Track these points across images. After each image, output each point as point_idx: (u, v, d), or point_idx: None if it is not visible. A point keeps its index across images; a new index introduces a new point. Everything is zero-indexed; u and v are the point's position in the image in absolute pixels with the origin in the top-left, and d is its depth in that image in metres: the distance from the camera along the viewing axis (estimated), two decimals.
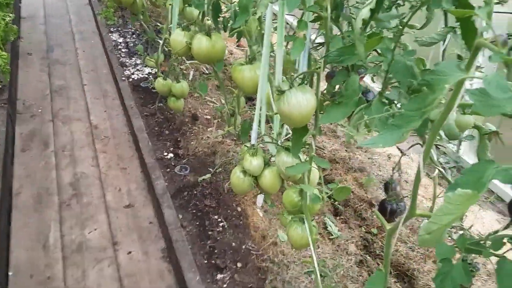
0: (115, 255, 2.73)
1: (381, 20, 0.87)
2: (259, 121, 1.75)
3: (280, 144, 1.69)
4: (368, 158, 3.20)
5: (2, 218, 2.81)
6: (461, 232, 1.60)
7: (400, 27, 1.03)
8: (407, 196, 2.63)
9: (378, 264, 2.34)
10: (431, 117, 0.83)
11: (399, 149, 3.42)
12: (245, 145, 1.82)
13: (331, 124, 3.56)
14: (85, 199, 3.15)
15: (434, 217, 0.64)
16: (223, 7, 2.04)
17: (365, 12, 0.82)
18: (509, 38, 1.65)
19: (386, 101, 0.94)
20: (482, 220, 2.80)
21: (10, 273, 2.56)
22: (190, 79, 3.63)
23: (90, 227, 2.92)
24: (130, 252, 2.75)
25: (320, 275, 1.77)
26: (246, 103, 2.67)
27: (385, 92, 1.00)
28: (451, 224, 0.64)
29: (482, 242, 0.77)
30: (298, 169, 1.39)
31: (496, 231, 0.85)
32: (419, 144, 1.96)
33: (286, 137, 1.80)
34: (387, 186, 1.84)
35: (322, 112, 1.39)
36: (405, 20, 1.16)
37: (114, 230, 2.93)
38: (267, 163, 1.78)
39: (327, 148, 3.28)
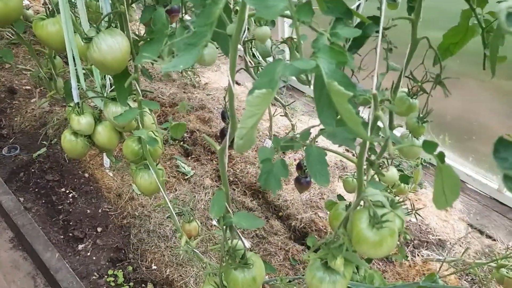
0: None
1: None
2: (77, 77, 1.63)
3: (106, 96, 1.61)
4: (207, 95, 3.26)
5: None
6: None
7: None
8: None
9: (234, 190, 2.48)
10: (228, 32, 0.86)
11: (236, 83, 3.54)
12: (68, 105, 1.69)
13: None
14: None
15: (241, 122, 0.69)
16: None
17: None
18: None
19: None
20: None
21: None
22: None
23: None
24: None
25: (180, 214, 1.81)
26: None
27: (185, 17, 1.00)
28: (257, 125, 0.70)
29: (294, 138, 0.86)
30: (126, 116, 1.35)
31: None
32: (243, 68, 2.05)
33: (112, 88, 1.73)
34: (224, 115, 1.91)
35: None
36: None
37: None
38: (98, 119, 1.69)
39: (165, 94, 3.24)
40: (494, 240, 2.43)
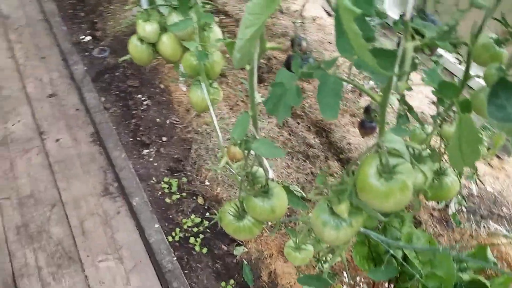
0: (42, 144, 2.70)
1: None
2: None
3: (170, 4, 1.58)
4: (293, 23, 3.12)
5: None
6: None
7: None
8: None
9: (298, 124, 2.41)
10: None
11: (326, 11, 3.34)
12: (137, 11, 1.70)
13: None
14: (4, 92, 2.99)
15: (239, 33, 0.62)
16: None
17: None
18: None
19: None
20: None
21: None
22: None
23: (13, 119, 2.83)
24: (58, 140, 2.71)
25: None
26: None
27: None
28: (256, 37, 0.62)
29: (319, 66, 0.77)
30: (181, 26, 1.31)
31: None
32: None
33: None
34: (293, 41, 1.81)
35: None
36: None
37: (39, 120, 2.85)
38: (164, 29, 1.68)
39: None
40: None
